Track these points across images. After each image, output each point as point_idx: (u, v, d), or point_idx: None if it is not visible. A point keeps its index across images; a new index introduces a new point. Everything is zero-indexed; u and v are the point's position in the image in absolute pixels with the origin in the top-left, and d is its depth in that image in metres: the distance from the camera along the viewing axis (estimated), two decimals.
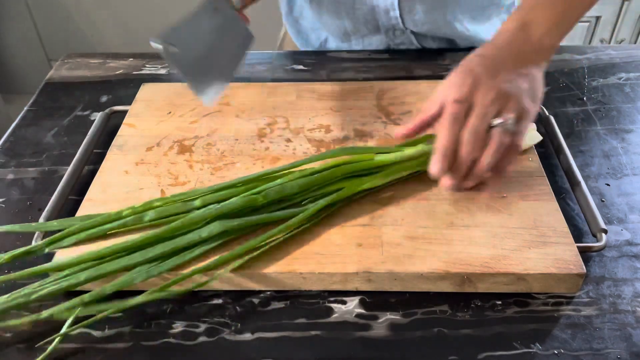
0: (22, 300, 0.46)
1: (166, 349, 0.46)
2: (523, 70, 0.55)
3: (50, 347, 0.45)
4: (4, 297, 0.47)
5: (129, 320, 0.48)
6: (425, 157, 0.56)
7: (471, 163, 0.52)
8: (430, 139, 0.57)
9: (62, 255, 0.50)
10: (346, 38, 0.86)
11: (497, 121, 0.52)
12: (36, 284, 0.48)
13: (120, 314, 0.49)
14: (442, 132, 0.52)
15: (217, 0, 0.58)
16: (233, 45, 0.60)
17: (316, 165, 0.57)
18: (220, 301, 0.50)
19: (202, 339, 0.47)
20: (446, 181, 0.52)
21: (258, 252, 0.50)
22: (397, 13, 0.80)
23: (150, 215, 0.53)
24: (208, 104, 0.57)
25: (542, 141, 0.62)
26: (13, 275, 0.49)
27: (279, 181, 0.55)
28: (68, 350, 0.46)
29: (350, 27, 0.84)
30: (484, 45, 0.57)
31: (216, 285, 0.50)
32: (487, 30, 0.85)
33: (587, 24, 1.71)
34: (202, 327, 0.48)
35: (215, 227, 0.50)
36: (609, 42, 1.72)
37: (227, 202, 0.52)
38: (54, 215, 0.55)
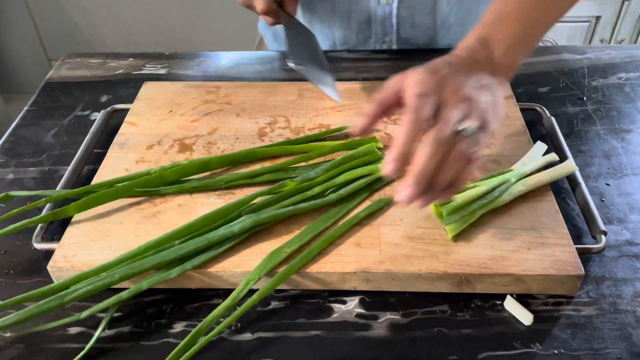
0: (56, 303, 0.46)
1: (166, 349, 0.46)
2: (485, 84, 0.51)
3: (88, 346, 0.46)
4: (39, 303, 0.46)
5: (129, 320, 0.49)
6: None
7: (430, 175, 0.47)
8: None
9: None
10: (332, 47, 0.86)
11: (462, 125, 0.48)
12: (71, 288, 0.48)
13: (120, 314, 0.49)
14: (401, 129, 0.47)
15: (282, 14, 0.67)
16: (315, 44, 0.68)
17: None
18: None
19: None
20: (404, 195, 0.47)
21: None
22: (395, 21, 0.80)
23: (171, 174, 0.57)
24: (340, 100, 0.64)
25: (541, 141, 0.62)
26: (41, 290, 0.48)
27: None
28: (68, 350, 0.46)
29: (340, 37, 0.84)
30: (448, 55, 0.53)
31: (215, 284, 0.50)
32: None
33: (587, 24, 1.71)
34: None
35: (246, 223, 0.51)
36: (609, 42, 1.72)
37: (256, 192, 0.55)
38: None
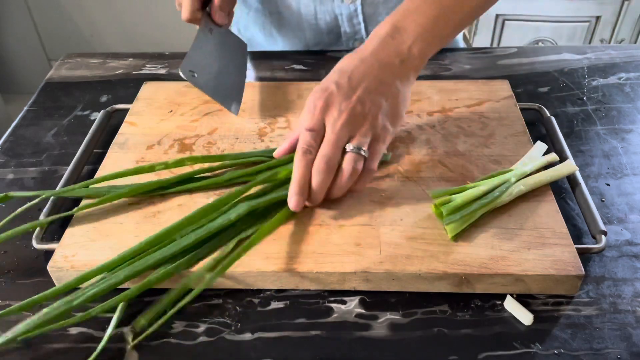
0: (65, 308, 0.46)
1: (166, 349, 0.46)
2: (385, 85, 0.53)
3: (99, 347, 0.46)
4: (47, 309, 0.46)
5: (129, 320, 0.48)
6: None
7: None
8: None
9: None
10: (305, 48, 0.86)
11: (349, 147, 0.51)
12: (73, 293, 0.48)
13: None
14: (295, 164, 0.51)
15: (208, 23, 0.66)
16: (235, 56, 0.67)
17: None
18: (220, 301, 0.50)
19: (202, 339, 0.47)
20: (297, 205, 0.51)
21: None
22: (361, 18, 0.80)
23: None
24: (236, 112, 0.65)
25: (541, 141, 0.62)
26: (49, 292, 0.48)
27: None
28: (68, 351, 0.47)
29: (312, 39, 0.84)
30: (350, 55, 0.55)
31: (215, 284, 0.50)
32: None
33: (587, 24, 1.71)
34: (202, 327, 0.48)
35: (242, 208, 0.52)
36: (609, 42, 1.73)
37: (251, 182, 0.56)
38: (54, 214, 0.55)
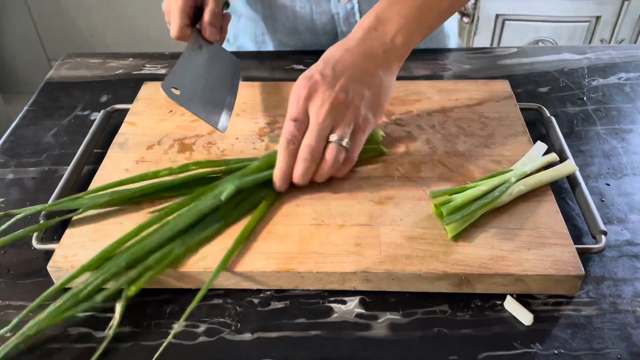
0: (72, 302, 0.47)
1: (166, 349, 0.46)
2: (368, 75, 0.54)
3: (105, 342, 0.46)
4: (53, 305, 0.46)
5: (129, 320, 0.49)
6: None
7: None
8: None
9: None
10: (302, 48, 0.86)
11: (332, 138, 0.53)
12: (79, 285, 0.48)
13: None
14: (279, 153, 0.54)
15: (199, 39, 0.65)
16: (225, 72, 0.66)
17: None
18: (220, 301, 0.50)
19: (202, 339, 0.47)
20: (281, 189, 0.55)
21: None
22: (358, 17, 0.80)
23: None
24: (223, 129, 0.62)
25: (541, 141, 0.62)
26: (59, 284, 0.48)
27: None
28: (68, 350, 0.47)
29: (308, 41, 0.84)
30: (335, 46, 0.57)
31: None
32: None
33: (587, 24, 1.71)
34: (202, 327, 0.48)
35: (229, 188, 0.53)
36: (609, 42, 1.73)
37: (244, 162, 0.58)
38: (53, 217, 0.55)
